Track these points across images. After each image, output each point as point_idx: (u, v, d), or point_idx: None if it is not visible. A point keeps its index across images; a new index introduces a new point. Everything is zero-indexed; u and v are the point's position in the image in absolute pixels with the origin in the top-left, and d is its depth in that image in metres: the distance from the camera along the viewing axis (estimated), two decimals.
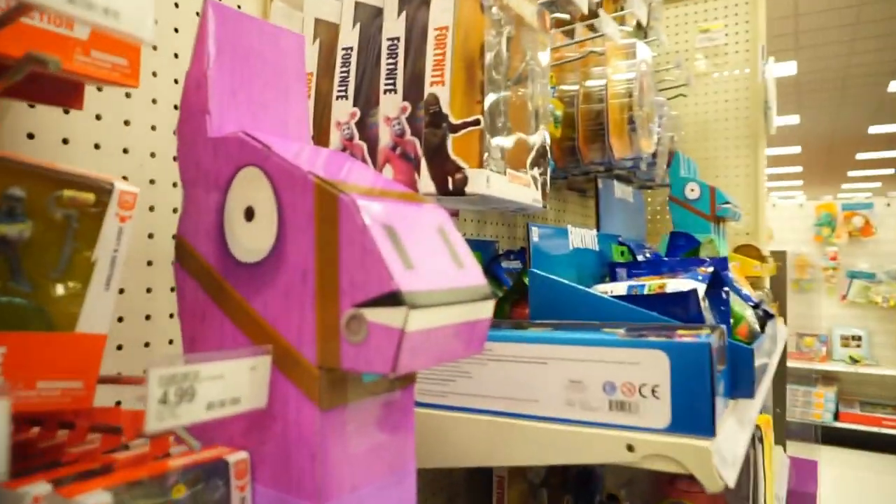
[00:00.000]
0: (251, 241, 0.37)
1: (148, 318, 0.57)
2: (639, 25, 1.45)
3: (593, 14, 1.04)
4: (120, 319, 0.55)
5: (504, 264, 1.02)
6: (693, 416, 0.48)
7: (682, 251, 0.95)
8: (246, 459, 0.37)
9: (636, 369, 0.51)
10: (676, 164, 1.21)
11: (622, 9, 1.23)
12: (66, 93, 0.42)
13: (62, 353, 0.34)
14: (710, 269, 0.69)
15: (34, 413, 0.36)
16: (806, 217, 4.37)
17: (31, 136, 0.49)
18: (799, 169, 8.79)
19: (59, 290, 0.34)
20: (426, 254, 0.35)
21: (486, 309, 0.37)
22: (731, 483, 0.46)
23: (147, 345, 0.58)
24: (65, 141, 0.51)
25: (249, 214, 0.37)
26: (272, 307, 0.36)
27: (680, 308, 0.65)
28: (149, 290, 0.57)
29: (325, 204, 0.34)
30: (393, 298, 0.31)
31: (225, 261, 0.39)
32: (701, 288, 0.65)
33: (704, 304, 0.67)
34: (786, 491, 1.32)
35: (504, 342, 0.55)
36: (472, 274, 0.37)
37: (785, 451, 1.85)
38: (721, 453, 0.48)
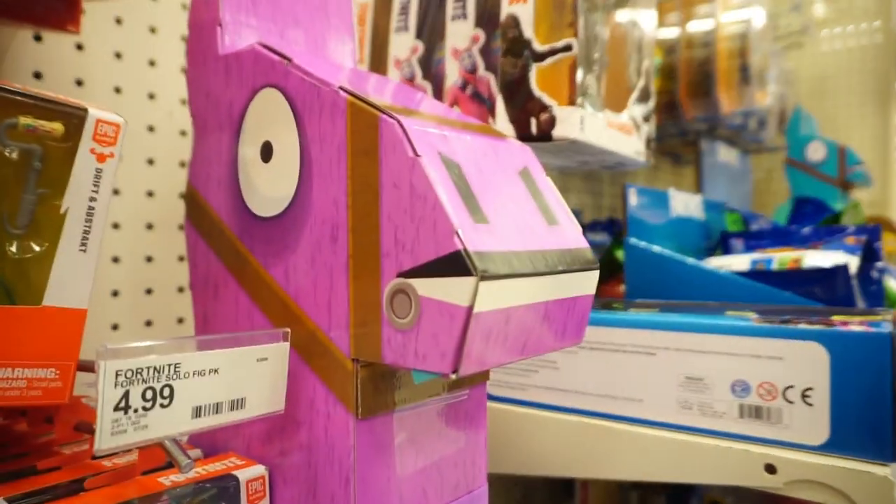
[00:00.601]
0: (269, 187, 0.28)
1: (181, 290, 0.50)
2: None
3: None
4: (148, 291, 0.48)
5: (590, 237, 0.90)
6: (863, 433, 0.36)
7: (812, 220, 0.79)
8: (263, 477, 0.28)
9: (779, 366, 0.38)
10: (796, 120, 1.04)
11: None
12: (56, 10, 0.34)
13: (26, 333, 0.26)
14: (863, 239, 0.55)
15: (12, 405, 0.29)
16: None
17: (38, 75, 0.42)
18: None
19: (20, 250, 0.26)
20: (504, 203, 0.24)
21: (589, 282, 0.27)
22: None
23: (181, 321, 0.51)
24: (79, 82, 0.44)
25: (267, 152, 0.28)
26: (295, 276, 0.27)
27: (822, 287, 0.52)
28: (181, 259, 0.50)
29: (361, 130, 0.24)
30: (456, 263, 0.21)
31: (240, 216, 0.30)
32: (853, 262, 0.51)
33: (854, 283, 0.53)
34: None
35: (600, 326, 0.44)
36: (569, 233, 0.27)
37: None
38: None
